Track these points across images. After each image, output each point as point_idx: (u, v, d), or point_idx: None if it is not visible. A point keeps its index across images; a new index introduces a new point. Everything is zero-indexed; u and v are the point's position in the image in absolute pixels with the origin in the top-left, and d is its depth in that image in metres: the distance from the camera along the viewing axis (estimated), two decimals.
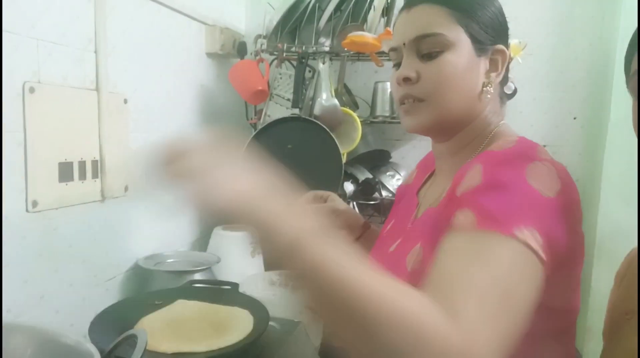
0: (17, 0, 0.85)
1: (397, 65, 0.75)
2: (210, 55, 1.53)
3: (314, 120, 1.39)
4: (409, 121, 0.73)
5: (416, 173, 0.94)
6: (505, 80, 0.78)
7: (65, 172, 0.99)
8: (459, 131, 0.74)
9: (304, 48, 1.43)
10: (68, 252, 1.01)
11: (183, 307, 0.88)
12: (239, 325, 0.81)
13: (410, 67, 0.71)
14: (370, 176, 1.47)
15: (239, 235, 1.40)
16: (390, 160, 1.65)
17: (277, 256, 0.47)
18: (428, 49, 0.69)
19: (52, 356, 0.49)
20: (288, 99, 1.44)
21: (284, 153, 1.43)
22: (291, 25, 1.45)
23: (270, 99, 1.47)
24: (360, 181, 1.45)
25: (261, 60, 1.47)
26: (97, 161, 1.07)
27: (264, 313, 0.85)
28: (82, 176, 1.03)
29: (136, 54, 1.19)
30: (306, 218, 0.49)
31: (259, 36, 1.52)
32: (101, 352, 0.54)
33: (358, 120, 1.42)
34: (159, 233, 1.32)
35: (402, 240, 0.77)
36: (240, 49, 1.57)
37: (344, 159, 1.44)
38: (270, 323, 0.91)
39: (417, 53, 0.71)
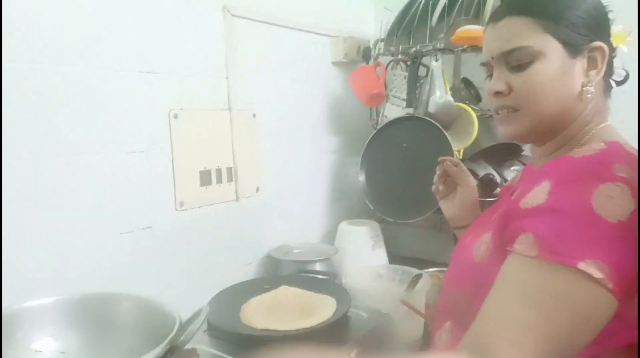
0: (159, 48, 1.11)
1: (490, 76, 0.75)
2: (335, 63, 1.67)
3: (426, 118, 1.41)
4: (505, 130, 0.74)
5: (521, 175, 0.93)
6: (609, 72, 0.74)
7: (205, 178, 1.24)
8: (558, 134, 0.73)
9: (417, 48, 1.46)
10: (211, 242, 1.26)
11: (284, 292, 1.04)
12: (322, 311, 0.92)
13: (500, 80, 0.71)
14: (491, 171, 1.42)
15: (360, 229, 1.51)
16: (523, 153, 1.55)
17: None
18: (516, 61, 0.69)
19: (149, 319, 0.69)
20: (403, 99, 1.48)
21: (400, 151, 1.49)
22: (405, 27, 1.49)
23: (387, 101, 1.53)
24: (480, 177, 1.41)
25: (378, 64, 1.54)
26: (231, 168, 1.31)
27: (346, 303, 0.95)
28: (219, 180, 1.27)
29: (264, 73, 1.40)
30: None
31: (378, 40, 1.59)
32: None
33: (474, 115, 1.39)
34: (288, 226, 1.51)
35: (475, 229, 0.80)
36: (365, 54, 1.66)
37: (460, 155, 1.43)
38: (359, 311, 1.01)
39: (506, 65, 0.71)
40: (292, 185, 1.53)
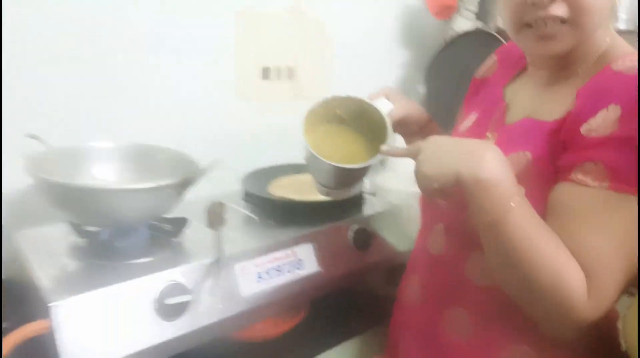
0: None
1: None
2: None
3: (493, 33, 1.36)
4: (548, 47, 0.65)
5: (497, 68, 0.89)
6: None
7: (266, 73, 1.37)
8: (579, 51, 0.67)
9: None
10: (269, 129, 1.41)
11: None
12: None
13: None
14: None
15: None
16: None
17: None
18: None
19: (181, 165, 0.86)
20: (475, 12, 1.44)
21: (463, 69, 1.46)
22: None
23: (458, 13, 1.49)
24: None
25: None
26: (292, 67, 1.41)
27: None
28: (279, 77, 1.39)
29: None
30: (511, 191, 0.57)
31: None
32: None
33: None
34: None
35: (496, 143, 0.76)
36: None
37: None
38: (371, 197, 1.12)
39: None
40: (354, 93, 1.59)
